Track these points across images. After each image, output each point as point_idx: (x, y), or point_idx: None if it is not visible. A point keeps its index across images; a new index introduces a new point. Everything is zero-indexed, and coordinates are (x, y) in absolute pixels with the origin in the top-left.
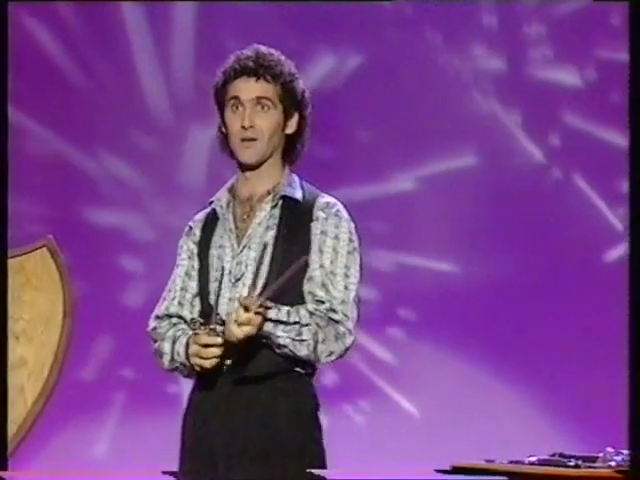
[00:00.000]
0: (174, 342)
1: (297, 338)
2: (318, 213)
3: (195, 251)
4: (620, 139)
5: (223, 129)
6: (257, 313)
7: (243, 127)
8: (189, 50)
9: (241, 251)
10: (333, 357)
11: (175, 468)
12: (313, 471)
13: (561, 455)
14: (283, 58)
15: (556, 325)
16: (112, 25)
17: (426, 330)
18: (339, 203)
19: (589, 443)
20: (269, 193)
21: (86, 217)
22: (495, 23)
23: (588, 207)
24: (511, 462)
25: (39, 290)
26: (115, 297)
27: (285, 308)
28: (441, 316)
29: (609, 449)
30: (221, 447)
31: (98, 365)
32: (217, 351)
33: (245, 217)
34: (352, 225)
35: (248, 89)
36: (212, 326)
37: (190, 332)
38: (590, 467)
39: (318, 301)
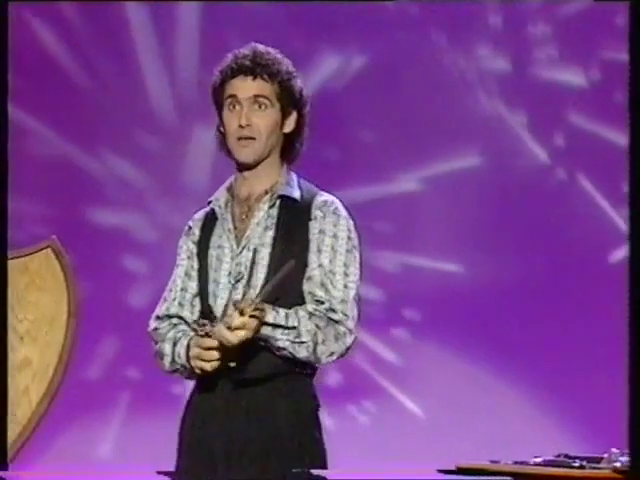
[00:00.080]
0: (175, 344)
1: (296, 340)
2: (316, 212)
3: (194, 251)
4: (625, 139)
5: (221, 128)
6: (252, 316)
7: (240, 126)
8: (193, 50)
9: (240, 252)
10: (334, 357)
11: None
12: (313, 471)
13: (566, 456)
14: (280, 57)
15: (561, 326)
16: (116, 25)
17: (431, 331)
18: (337, 201)
19: (594, 444)
20: (267, 193)
21: (90, 218)
22: (500, 23)
23: (592, 207)
24: (516, 463)
25: (43, 291)
26: (119, 297)
27: (283, 310)
28: (446, 317)
29: (614, 450)
30: (221, 448)
31: (102, 365)
32: (218, 354)
33: (244, 217)
34: (351, 223)
35: (245, 88)
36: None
37: (191, 333)
38: (595, 468)
39: (317, 301)
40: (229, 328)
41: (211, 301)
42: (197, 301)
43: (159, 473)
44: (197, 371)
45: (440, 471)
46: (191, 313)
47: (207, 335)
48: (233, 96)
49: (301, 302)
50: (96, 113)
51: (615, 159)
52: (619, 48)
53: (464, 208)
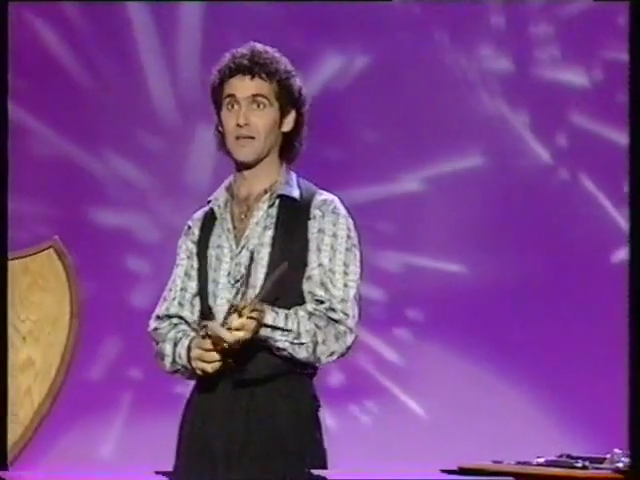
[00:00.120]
0: (175, 344)
1: (295, 341)
2: (315, 211)
3: (194, 251)
4: (627, 139)
5: (220, 128)
6: (251, 318)
7: (238, 125)
8: (195, 50)
9: (239, 252)
10: (334, 357)
11: None
12: (314, 471)
13: (568, 456)
14: (279, 55)
15: (564, 326)
16: (118, 25)
17: (433, 331)
18: (336, 200)
19: (597, 444)
20: (266, 192)
21: (92, 218)
22: (502, 24)
23: (595, 207)
24: (518, 463)
25: (46, 291)
26: (122, 298)
27: (283, 311)
28: (448, 317)
29: (616, 450)
30: (221, 448)
31: (105, 365)
32: (219, 355)
33: (243, 217)
34: (350, 221)
35: (243, 87)
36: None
37: (191, 334)
38: (597, 468)
39: (317, 300)
40: (229, 329)
41: (211, 301)
42: (197, 301)
43: (157, 473)
44: (198, 372)
45: (443, 471)
46: (191, 313)
47: (208, 336)
48: (231, 95)
49: (301, 302)
50: (98, 113)
51: (617, 159)
52: (622, 48)
53: (466, 208)
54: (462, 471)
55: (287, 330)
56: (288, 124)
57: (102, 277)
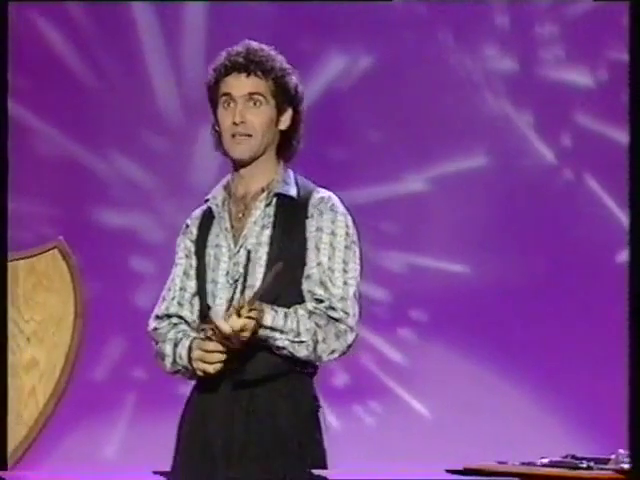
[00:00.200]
0: (176, 344)
1: (296, 340)
2: (313, 210)
3: (192, 250)
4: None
5: (217, 127)
6: (249, 317)
7: (234, 123)
8: (200, 50)
9: (238, 251)
10: (335, 355)
11: None
12: (314, 471)
13: (573, 457)
14: (275, 53)
15: (568, 326)
16: (123, 25)
17: (437, 331)
18: (334, 197)
19: (601, 445)
20: (263, 191)
21: (97, 218)
22: (507, 23)
23: (599, 207)
24: (523, 464)
25: (50, 291)
26: (126, 298)
27: (282, 310)
28: (452, 317)
29: (621, 451)
30: (221, 448)
31: (109, 366)
32: (222, 357)
33: (240, 215)
34: (349, 218)
35: (239, 85)
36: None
37: (192, 334)
38: (602, 469)
39: (317, 299)
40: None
41: (210, 301)
42: (196, 300)
43: (156, 473)
44: (199, 373)
45: (448, 471)
46: (191, 312)
47: (209, 338)
48: (227, 94)
49: (301, 301)
50: (103, 113)
51: (622, 159)
52: (626, 48)
53: (470, 208)
54: (466, 471)
55: (287, 329)
56: (285, 122)
57: (106, 277)
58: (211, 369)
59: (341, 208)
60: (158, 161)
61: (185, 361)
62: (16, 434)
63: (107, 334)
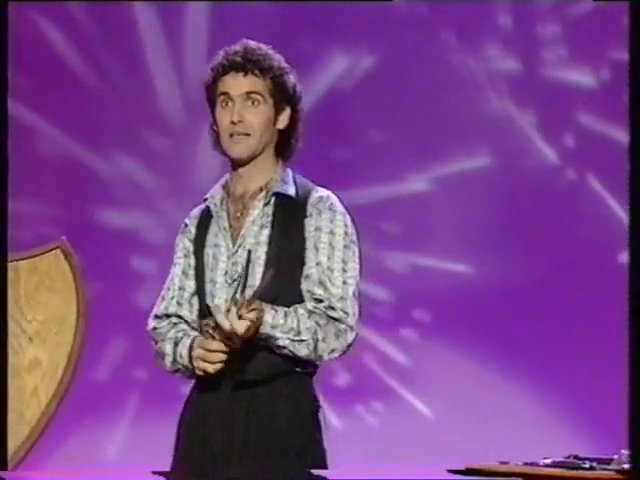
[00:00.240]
0: (176, 343)
1: (296, 339)
2: (311, 209)
3: (191, 249)
4: (627, 139)
5: (215, 127)
6: (250, 318)
7: (232, 122)
8: (202, 50)
9: (236, 251)
10: (335, 354)
11: None
12: (314, 471)
13: (576, 457)
14: (272, 52)
15: (570, 326)
16: (125, 25)
17: (440, 331)
18: (333, 196)
19: (604, 445)
20: (262, 190)
21: (99, 218)
22: (509, 24)
23: (602, 208)
24: (526, 464)
25: (53, 291)
26: (128, 298)
27: (282, 309)
28: (455, 317)
29: (624, 451)
30: (221, 448)
31: (112, 366)
32: (223, 357)
33: (238, 215)
34: (348, 218)
35: (237, 84)
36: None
37: (192, 333)
38: (605, 469)
39: (317, 299)
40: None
41: (208, 300)
42: (195, 300)
43: (155, 473)
44: (199, 372)
45: (450, 471)
46: (190, 312)
47: (211, 336)
48: (225, 93)
49: (300, 300)
50: (105, 113)
51: (624, 159)
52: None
53: (473, 208)
54: (469, 471)
55: (287, 328)
56: (283, 121)
57: (109, 277)
58: (211, 369)
59: (340, 207)
60: (160, 161)
61: (186, 360)
62: (18, 434)
63: (109, 334)
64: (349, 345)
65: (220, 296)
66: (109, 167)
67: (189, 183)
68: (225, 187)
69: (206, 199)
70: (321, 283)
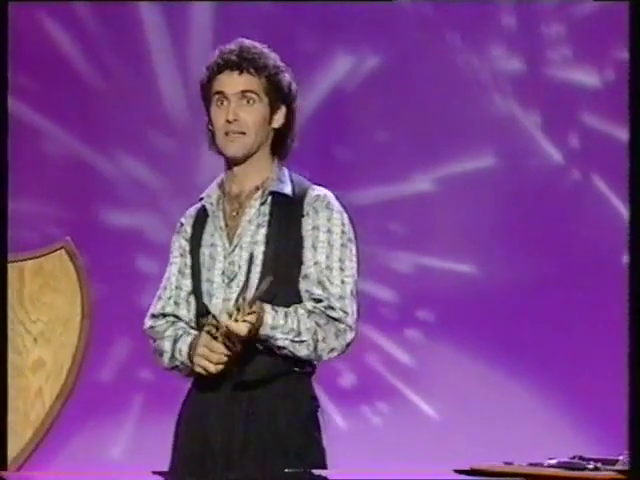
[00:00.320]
0: (175, 340)
1: (296, 339)
2: (308, 208)
3: (187, 248)
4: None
5: (210, 126)
6: (250, 319)
7: (228, 121)
8: (207, 50)
9: (233, 250)
10: (334, 354)
11: None
12: (314, 471)
13: (580, 458)
14: (268, 51)
15: (575, 326)
16: (130, 26)
17: (444, 332)
18: (330, 195)
19: (609, 446)
20: (258, 189)
21: (104, 219)
22: (514, 24)
23: (607, 208)
24: (530, 464)
25: (57, 292)
26: (133, 299)
27: (282, 310)
28: (460, 318)
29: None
30: (221, 448)
31: (116, 367)
32: (225, 359)
33: (234, 214)
34: (345, 216)
35: (232, 83)
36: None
37: (192, 332)
38: (610, 470)
39: (315, 299)
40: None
41: (206, 300)
42: (192, 299)
43: (155, 473)
44: (199, 369)
45: (457, 471)
46: (187, 311)
47: (214, 337)
48: (220, 92)
49: (298, 300)
50: (110, 114)
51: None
52: None
53: (478, 208)
54: (473, 472)
55: (287, 328)
56: (278, 120)
57: (113, 278)
58: (213, 368)
59: (337, 205)
60: (165, 161)
61: (185, 357)
62: (23, 434)
63: (114, 335)
64: (348, 344)
65: (217, 295)
66: (114, 167)
67: (194, 183)
68: (221, 186)
69: (202, 198)
70: (320, 283)
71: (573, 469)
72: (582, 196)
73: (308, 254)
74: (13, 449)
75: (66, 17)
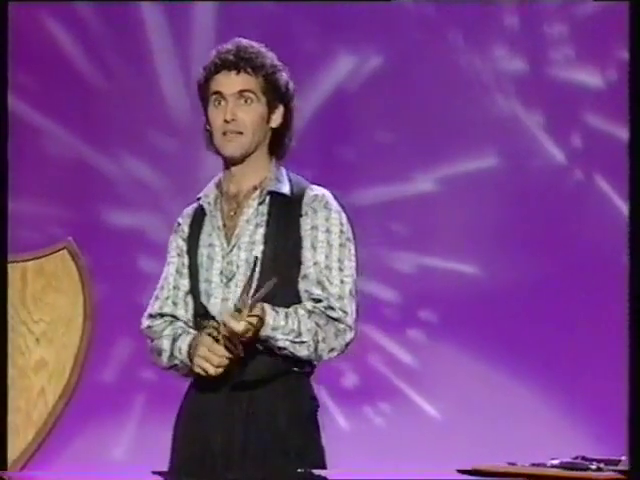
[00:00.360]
0: (174, 339)
1: (297, 340)
2: (307, 208)
3: (184, 248)
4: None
5: (208, 126)
6: (252, 320)
7: (225, 121)
8: (209, 51)
9: (231, 250)
10: (334, 354)
11: None
12: (314, 471)
13: (583, 458)
14: (265, 50)
15: (578, 326)
16: (132, 25)
17: (447, 332)
18: (328, 194)
19: (612, 446)
20: (256, 189)
21: (106, 219)
22: (516, 24)
23: (610, 208)
24: (533, 465)
25: (60, 292)
26: (135, 299)
27: (283, 310)
28: (462, 318)
29: None
30: (221, 448)
31: (118, 367)
32: (226, 362)
33: (232, 214)
34: (343, 215)
35: (230, 83)
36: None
37: (192, 331)
38: (613, 470)
39: (315, 299)
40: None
41: (204, 300)
42: (190, 299)
43: (155, 473)
44: (198, 370)
45: (459, 471)
46: (185, 311)
47: (216, 339)
48: (218, 92)
49: (296, 299)
50: (112, 114)
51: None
52: None
53: (480, 209)
54: (476, 472)
55: (288, 329)
56: (276, 120)
57: (115, 278)
58: (213, 371)
59: (335, 205)
60: (167, 161)
61: (184, 355)
62: (25, 435)
63: (116, 335)
64: (347, 344)
65: (216, 295)
66: (116, 167)
67: (196, 183)
68: (219, 186)
69: (199, 198)
70: (319, 283)
71: (576, 469)
72: (585, 196)
73: (307, 254)
74: (15, 449)
75: (68, 17)
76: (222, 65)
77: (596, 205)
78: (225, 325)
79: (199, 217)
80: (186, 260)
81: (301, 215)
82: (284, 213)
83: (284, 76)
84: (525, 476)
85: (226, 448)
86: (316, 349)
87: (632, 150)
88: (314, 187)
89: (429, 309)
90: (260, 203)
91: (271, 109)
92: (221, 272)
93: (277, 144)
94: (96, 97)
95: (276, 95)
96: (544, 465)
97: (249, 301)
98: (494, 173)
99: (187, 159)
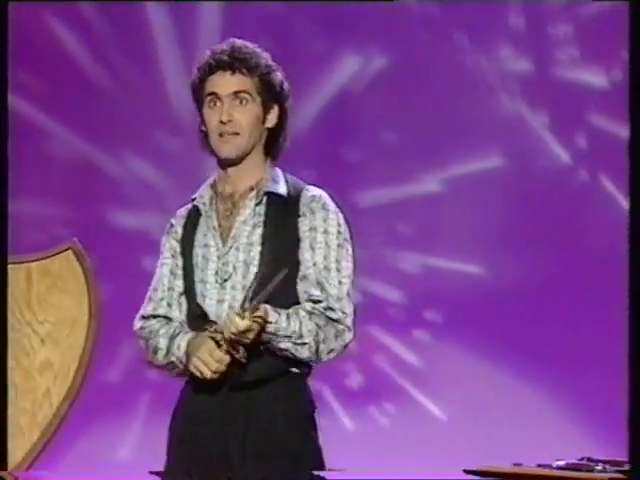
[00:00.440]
0: (172, 337)
1: (298, 341)
2: (304, 208)
3: (178, 249)
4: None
5: (203, 127)
6: (255, 320)
7: (221, 122)
8: None
9: (227, 251)
10: (333, 355)
11: None
12: (314, 472)
13: (589, 459)
14: (259, 50)
15: (584, 327)
16: (137, 26)
17: (452, 332)
18: (325, 195)
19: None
20: (252, 189)
21: (111, 219)
22: (522, 24)
23: (615, 208)
24: (539, 466)
25: (65, 293)
26: (140, 299)
27: (284, 312)
28: (467, 318)
29: None
30: (219, 449)
31: (123, 367)
32: (225, 368)
33: (228, 214)
34: (340, 216)
35: (225, 84)
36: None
37: (190, 331)
38: (618, 471)
39: (314, 300)
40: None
41: (199, 300)
42: (184, 300)
43: (152, 473)
44: (193, 370)
45: (466, 471)
46: (180, 312)
47: (217, 343)
48: (213, 93)
49: (295, 300)
50: (117, 114)
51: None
52: None
53: (485, 209)
54: (482, 473)
55: (289, 331)
56: (271, 120)
57: (120, 279)
58: (209, 375)
59: (332, 206)
60: (171, 161)
61: (182, 353)
62: (30, 435)
63: (121, 335)
64: (346, 345)
65: (211, 296)
66: (120, 168)
67: (201, 183)
68: (213, 186)
69: (194, 199)
70: (318, 284)
71: (581, 470)
72: (590, 196)
73: (306, 255)
74: (20, 450)
75: (72, 17)
76: (217, 66)
77: (601, 205)
78: (228, 323)
79: (194, 218)
80: (180, 261)
81: (299, 216)
82: (281, 214)
83: (279, 76)
84: (531, 477)
85: (225, 449)
86: (317, 350)
87: (632, 150)
88: (310, 187)
89: (434, 309)
90: (257, 204)
91: (266, 109)
92: (216, 272)
93: (272, 144)
94: (101, 97)
95: (271, 95)
96: (550, 466)
97: (252, 299)
98: (499, 173)
99: (192, 159)
